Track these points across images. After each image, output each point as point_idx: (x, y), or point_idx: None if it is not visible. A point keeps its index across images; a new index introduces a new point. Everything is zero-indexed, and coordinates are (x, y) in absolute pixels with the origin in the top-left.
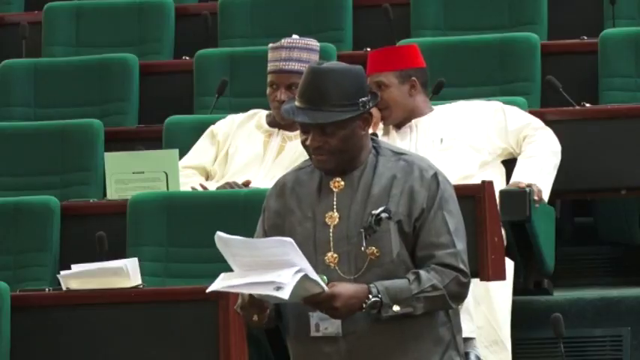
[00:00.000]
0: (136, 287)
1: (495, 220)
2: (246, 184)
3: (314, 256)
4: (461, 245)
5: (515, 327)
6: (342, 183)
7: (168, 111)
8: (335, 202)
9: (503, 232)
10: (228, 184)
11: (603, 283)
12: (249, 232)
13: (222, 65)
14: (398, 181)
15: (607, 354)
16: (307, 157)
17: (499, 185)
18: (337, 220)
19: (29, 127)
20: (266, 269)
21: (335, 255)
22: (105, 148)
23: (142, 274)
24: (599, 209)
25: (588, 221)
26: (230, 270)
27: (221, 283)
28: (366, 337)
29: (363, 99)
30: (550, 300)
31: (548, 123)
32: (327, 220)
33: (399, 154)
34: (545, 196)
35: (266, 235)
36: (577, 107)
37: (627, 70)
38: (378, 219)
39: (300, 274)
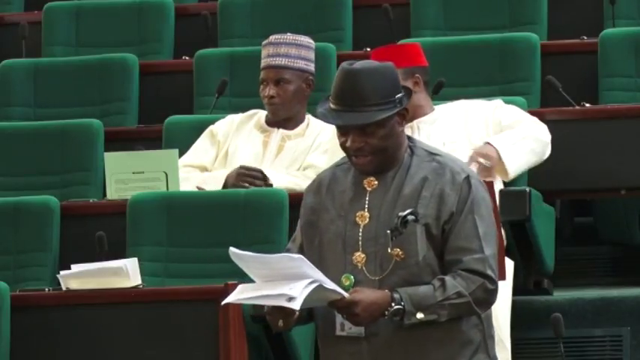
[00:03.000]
0: (135, 287)
1: (495, 220)
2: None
3: (343, 255)
4: (489, 251)
5: (515, 327)
6: (376, 182)
7: (168, 111)
8: (367, 202)
9: (503, 232)
10: (243, 168)
11: (603, 283)
12: (248, 232)
13: (222, 65)
14: (429, 183)
15: (607, 354)
16: (306, 155)
17: (499, 185)
18: (367, 219)
19: (29, 127)
20: (282, 280)
21: (363, 255)
22: (105, 148)
23: (142, 274)
24: (599, 209)
25: (588, 221)
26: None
27: (236, 295)
28: (388, 339)
29: (399, 95)
30: (550, 300)
31: (548, 123)
32: (357, 219)
33: (433, 154)
34: (511, 170)
35: (302, 230)
36: (577, 107)
37: (627, 70)
38: (404, 221)
39: (314, 285)
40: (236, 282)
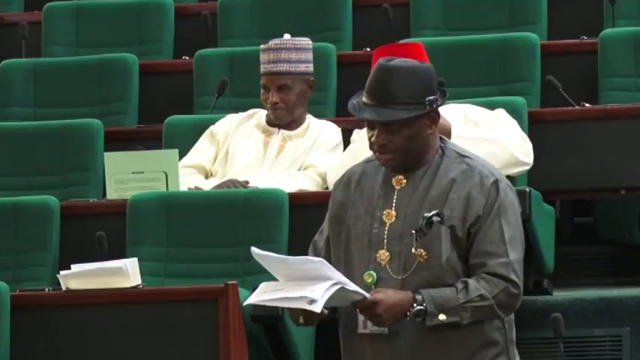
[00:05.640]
0: (135, 287)
1: None
2: (246, 183)
3: (367, 252)
4: (514, 255)
5: (515, 327)
6: (405, 181)
7: (168, 111)
8: (395, 200)
9: None
10: (231, 182)
11: (603, 283)
12: (248, 232)
13: (222, 65)
14: (457, 185)
15: (607, 354)
16: (307, 156)
17: None
18: (394, 218)
19: (29, 127)
20: (303, 281)
21: (387, 253)
22: (105, 148)
23: (142, 274)
24: (599, 209)
25: (588, 221)
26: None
27: (258, 296)
28: (410, 339)
29: (430, 97)
30: (550, 300)
31: (548, 123)
32: (384, 217)
33: (463, 156)
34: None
35: (329, 224)
36: (577, 107)
37: (627, 70)
38: (429, 222)
39: (335, 288)
40: (235, 282)
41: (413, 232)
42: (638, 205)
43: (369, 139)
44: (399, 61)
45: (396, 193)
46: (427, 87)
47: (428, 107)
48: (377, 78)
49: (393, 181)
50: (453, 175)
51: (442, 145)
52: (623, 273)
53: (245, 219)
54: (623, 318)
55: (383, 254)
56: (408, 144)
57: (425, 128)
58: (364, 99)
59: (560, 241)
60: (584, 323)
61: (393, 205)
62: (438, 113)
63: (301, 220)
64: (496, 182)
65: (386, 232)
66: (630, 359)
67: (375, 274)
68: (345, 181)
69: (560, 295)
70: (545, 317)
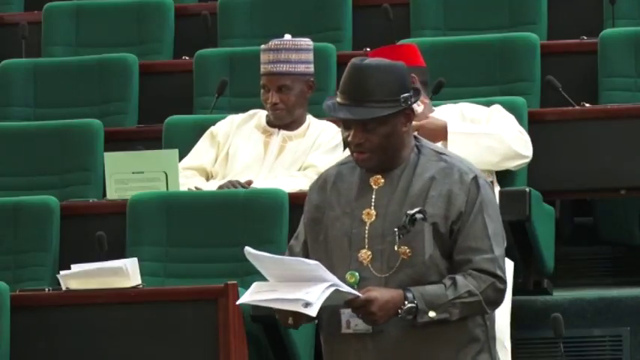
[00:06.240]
0: (135, 287)
1: None
2: (248, 183)
3: (348, 252)
4: (499, 251)
5: (515, 327)
6: (382, 180)
7: (168, 111)
8: (373, 200)
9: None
10: (231, 183)
11: (603, 283)
12: (248, 232)
13: (221, 65)
14: (437, 183)
15: (607, 354)
16: (307, 156)
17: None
18: (374, 217)
19: (29, 127)
20: (296, 282)
21: (369, 252)
22: (105, 148)
23: (142, 274)
24: (599, 209)
25: (588, 221)
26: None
27: (251, 296)
28: (394, 336)
29: (405, 95)
30: (550, 300)
31: (548, 123)
32: (364, 217)
33: (440, 154)
34: (451, 140)
35: (306, 228)
36: (577, 107)
37: (627, 70)
38: (412, 219)
39: (330, 290)
40: (235, 282)
41: (395, 229)
42: (638, 205)
43: (345, 139)
44: (371, 60)
45: (374, 193)
46: (401, 84)
47: (403, 104)
48: (351, 77)
49: (371, 180)
50: (432, 173)
51: (417, 143)
52: (623, 273)
53: (245, 219)
54: (623, 318)
55: (365, 253)
56: (385, 142)
57: (400, 126)
58: (339, 99)
59: (560, 241)
60: (584, 323)
61: (372, 204)
62: (412, 111)
63: None
64: (475, 178)
65: (366, 232)
66: (630, 359)
67: (357, 273)
68: (320, 183)
69: (560, 295)
70: (545, 317)
